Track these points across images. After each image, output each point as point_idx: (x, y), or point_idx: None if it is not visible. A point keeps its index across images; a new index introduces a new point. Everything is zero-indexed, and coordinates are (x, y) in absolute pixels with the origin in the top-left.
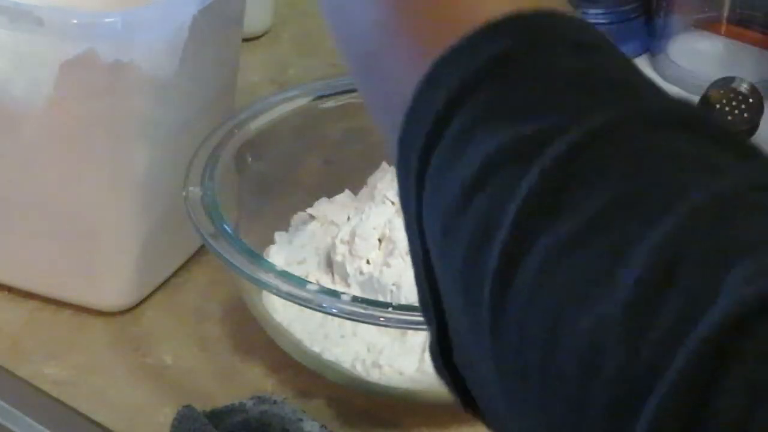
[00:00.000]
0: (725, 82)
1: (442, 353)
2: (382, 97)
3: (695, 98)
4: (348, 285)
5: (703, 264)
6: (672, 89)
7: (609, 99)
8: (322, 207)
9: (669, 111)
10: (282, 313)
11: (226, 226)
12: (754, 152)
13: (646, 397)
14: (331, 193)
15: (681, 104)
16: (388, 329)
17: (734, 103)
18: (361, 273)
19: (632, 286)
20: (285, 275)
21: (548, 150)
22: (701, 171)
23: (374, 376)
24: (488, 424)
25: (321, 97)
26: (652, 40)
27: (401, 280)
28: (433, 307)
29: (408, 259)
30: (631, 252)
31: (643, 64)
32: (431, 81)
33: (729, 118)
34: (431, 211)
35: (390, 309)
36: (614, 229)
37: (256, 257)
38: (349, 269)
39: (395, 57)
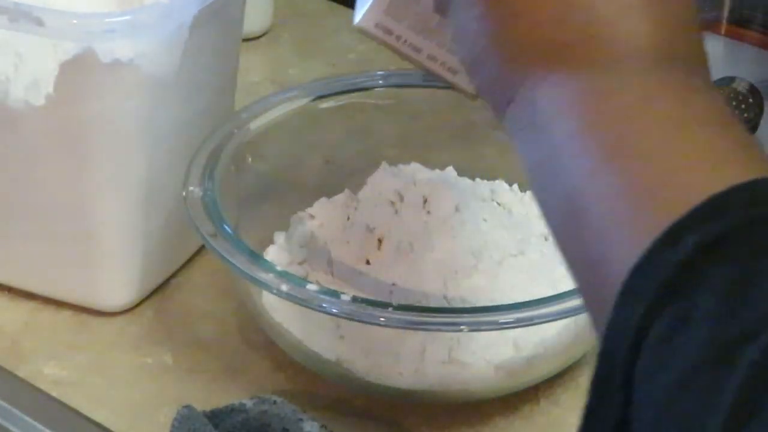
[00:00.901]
0: (725, 82)
1: None
2: (587, 268)
3: None
4: (348, 285)
5: None
6: None
7: None
8: (322, 207)
9: None
10: (282, 313)
11: (226, 226)
12: None
13: None
14: (331, 193)
15: None
16: (388, 329)
17: (734, 103)
18: (361, 273)
19: None
20: (285, 275)
21: (750, 349)
22: None
23: (374, 376)
24: None
25: (321, 97)
26: None
27: (401, 280)
28: None
29: (407, 259)
30: None
31: None
32: (627, 294)
33: None
34: (640, 406)
35: (390, 309)
36: None
37: (256, 257)
38: (349, 269)
39: (605, 234)
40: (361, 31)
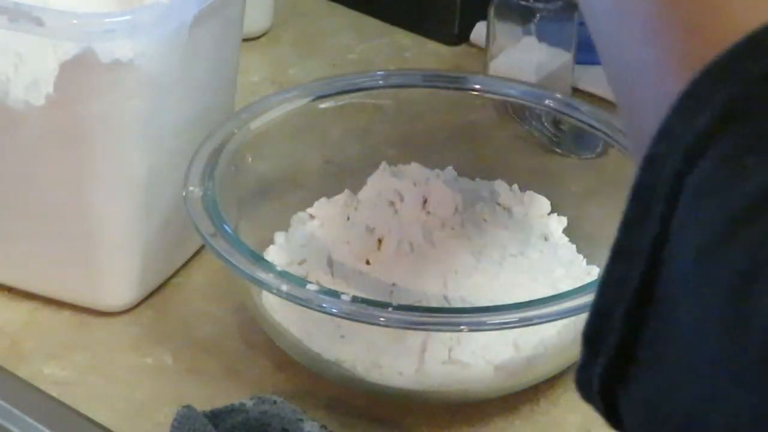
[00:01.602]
0: None
1: (604, 385)
2: (634, 98)
3: None
4: (348, 285)
5: None
6: None
7: None
8: (322, 207)
9: None
10: (282, 313)
11: (226, 226)
12: None
13: None
14: (331, 193)
15: None
16: (388, 329)
17: None
18: (361, 273)
19: None
20: (285, 275)
21: None
22: None
23: (374, 376)
24: None
25: (321, 97)
26: None
27: (401, 280)
28: (621, 339)
29: (407, 259)
30: None
31: None
32: (692, 96)
33: None
34: (683, 235)
35: (390, 309)
36: None
37: (256, 257)
38: (349, 269)
39: (653, 59)
40: None
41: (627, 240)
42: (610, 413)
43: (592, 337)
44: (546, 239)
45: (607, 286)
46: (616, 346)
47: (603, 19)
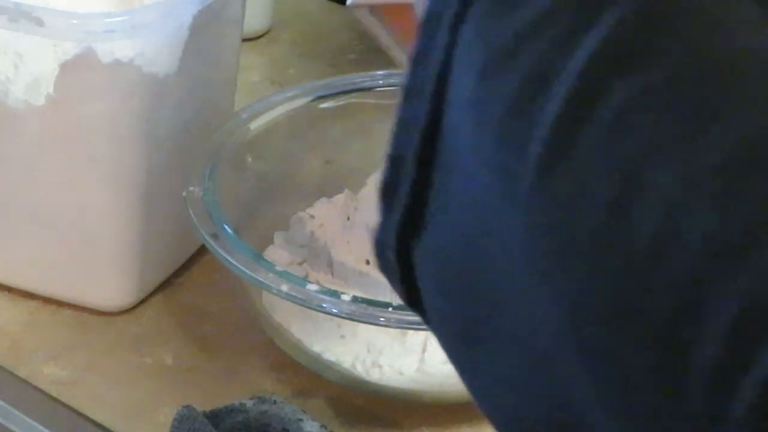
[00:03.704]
0: None
1: (400, 240)
2: None
3: None
4: (348, 285)
5: None
6: None
7: None
8: (322, 207)
9: None
10: (282, 313)
11: (226, 226)
12: None
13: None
14: (331, 193)
15: None
16: (388, 329)
17: None
18: (361, 273)
19: (723, 149)
20: (285, 275)
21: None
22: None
23: (374, 376)
24: (434, 327)
25: (321, 97)
26: None
27: None
28: (413, 183)
29: None
30: (721, 110)
31: None
32: None
33: None
34: (466, 59)
35: (390, 309)
36: (698, 85)
37: (256, 257)
38: (349, 269)
39: None
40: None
41: (414, 77)
42: (405, 279)
43: (388, 188)
44: None
45: (398, 130)
46: (410, 192)
47: None
